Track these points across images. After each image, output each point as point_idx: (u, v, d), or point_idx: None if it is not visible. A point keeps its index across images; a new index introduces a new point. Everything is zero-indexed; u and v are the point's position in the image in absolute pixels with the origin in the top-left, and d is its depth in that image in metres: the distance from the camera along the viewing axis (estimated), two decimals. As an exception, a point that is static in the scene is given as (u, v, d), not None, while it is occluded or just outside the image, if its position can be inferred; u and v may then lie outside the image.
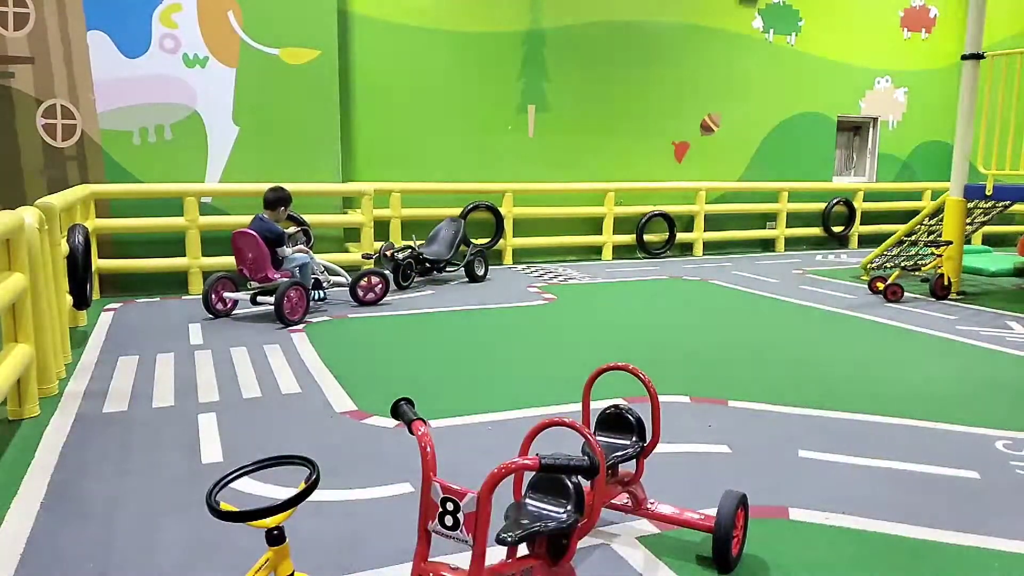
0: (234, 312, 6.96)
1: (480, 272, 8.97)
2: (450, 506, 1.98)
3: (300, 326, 6.50)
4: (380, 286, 7.48)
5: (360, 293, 7.36)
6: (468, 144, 10.14)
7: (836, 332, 6.60)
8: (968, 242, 9.51)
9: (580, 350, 5.92)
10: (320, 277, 7.24)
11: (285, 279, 6.67)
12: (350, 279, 7.42)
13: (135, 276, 8.03)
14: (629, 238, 10.98)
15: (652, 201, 11.10)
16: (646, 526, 3.06)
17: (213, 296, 6.77)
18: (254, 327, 6.46)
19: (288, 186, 8.19)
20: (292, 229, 7.22)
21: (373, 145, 9.61)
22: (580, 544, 2.48)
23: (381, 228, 9.23)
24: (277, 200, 6.93)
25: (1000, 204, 8.85)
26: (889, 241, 9.36)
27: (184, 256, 8.02)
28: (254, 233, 6.59)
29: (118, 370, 5.20)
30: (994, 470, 3.66)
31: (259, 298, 6.79)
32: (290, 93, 8.56)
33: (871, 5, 12.38)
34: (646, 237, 11.04)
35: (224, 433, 4.06)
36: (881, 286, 8.14)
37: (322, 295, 7.30)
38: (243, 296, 6.85)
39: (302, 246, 7.15)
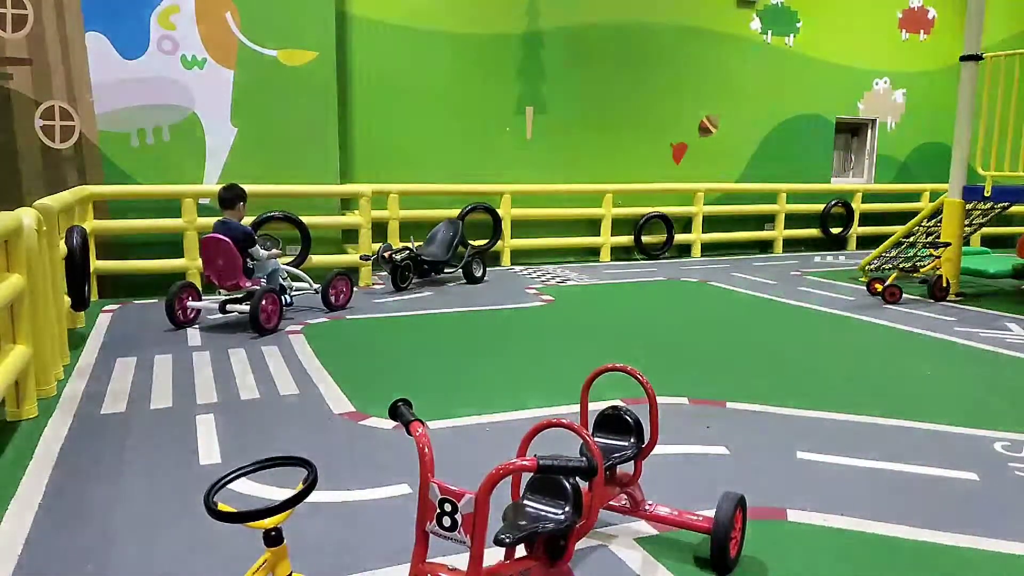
0: (197, 321, 6.66)
1: (478, 273, 8.97)
2: (448, 507, 1.98)
3: (298, 327, 6.49)
4: (346, 287, 7.36)
5: (332, 298, 7.20)
6: (466, 146, 10.14)
7: (834, 334, 6.61)
8: (967, 243, 9.53)
9: (578, 351, 5.92)
10: (284, 284, 6.96)
11: (256, 287, 6.45)
12: (314, 286, 7.22)
13: (133, 277, 8.00)
14: (627, 239, 10.98)
15: (650, 202, 11.10)
16: (644, 527, 3.06)
17: (176, 305, 6.41)
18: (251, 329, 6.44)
19: (286, 187, 8.27)
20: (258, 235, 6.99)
21: (371, 146, 9.61)
22: (578, 545, 2.48)
23: (379, 229, 9.22)
24: (234, 198, 6.56)
25: (998, 205, 8.86)
26: (888, 243, 9.37)
27: (182, 257, 8.00)
28: (227, 239, 6.31)
29: (116, 371, 5.20)
30: (993, 472, 3.66)
31: (228, 306, 6.49)
32: (288, 94, 8.55)
33: (869, 6, 12.39)
34: (644, 238, 11.04)
35: (222, 434, 4.06)
36: (879, 287, 8.13)
37: (288, 300, 6.94)
38: (207, 304, 6.58)
39: (276, 251, 6.91)
